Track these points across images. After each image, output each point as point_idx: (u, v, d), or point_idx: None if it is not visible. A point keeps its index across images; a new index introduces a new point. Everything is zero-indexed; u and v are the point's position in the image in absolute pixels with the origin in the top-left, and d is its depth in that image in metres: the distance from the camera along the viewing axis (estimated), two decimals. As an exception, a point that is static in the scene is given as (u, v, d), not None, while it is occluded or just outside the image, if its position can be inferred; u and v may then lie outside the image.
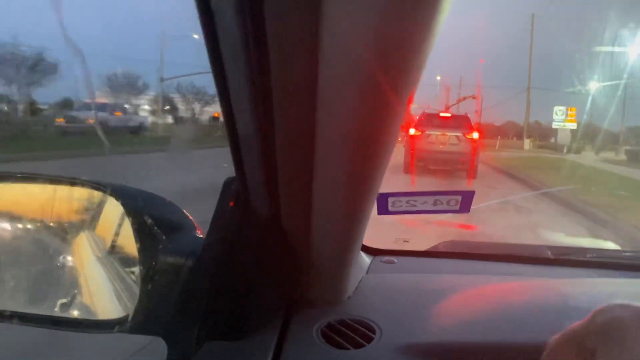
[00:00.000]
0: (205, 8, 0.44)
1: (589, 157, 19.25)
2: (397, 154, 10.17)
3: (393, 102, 0.45)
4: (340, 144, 0.50)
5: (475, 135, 9.98)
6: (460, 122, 10.52)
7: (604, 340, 0.33)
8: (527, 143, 32.80)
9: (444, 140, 9.88)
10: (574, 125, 25.75)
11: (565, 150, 22.44)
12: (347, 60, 0.42)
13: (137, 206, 0.65)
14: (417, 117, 10.80)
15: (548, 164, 13.91)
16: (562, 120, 26.15)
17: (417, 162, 9.55)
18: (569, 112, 25.98)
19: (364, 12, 0.38)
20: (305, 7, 0.39)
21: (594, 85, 20.85)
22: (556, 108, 26.62)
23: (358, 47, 0.40)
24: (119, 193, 0.68)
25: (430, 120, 10.58)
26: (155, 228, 0.61)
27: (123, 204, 0.67)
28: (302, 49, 0.43)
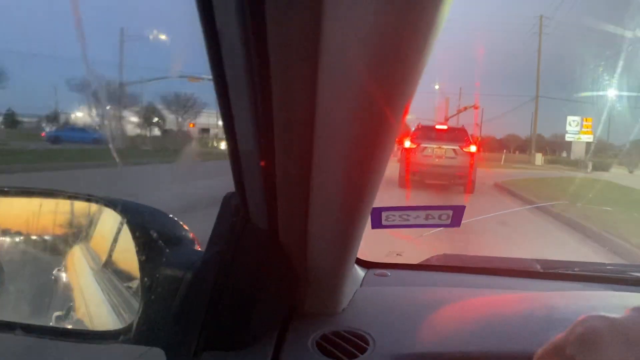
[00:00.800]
0: (207, 21, 0.45)
1: (628, 177, 15.36)
2: (391, 168, 9.79)
3: (389, 116, 0.47)
4: (336, 161, 0.52)
5: (473, 148, 9.58)
6: (457, 135, 10.10)
7: (582, 348, 0.37)
8: (538, 158, 29.01)
9: (440, 153, 9.50)
10: (590, 138, 22.31)
11: (590, 167, 18.21)
12: (346, 77, 0.43)
13: (143, 221, 0.66)
14: (413, 130, 10.42)
15: (596, 190, 8.61)
16: (577, 131, 22.94)
17: (412, 176, 9.21)
18: (585, 123, 22.62)
19: (362, 23, 0.38)
20: (305, 21, 0.40)
21: (612, 93, 17.24)
22: (570, 118, 23.26)
23: (357, 60, 0.41)
24: (124, 208, 0.70)
25: (426, 132, 10.17)
26: (160, 242, 0.62)
27: (129, 220, 0.68)
28: (302, 68, 0.44)
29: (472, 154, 9.50)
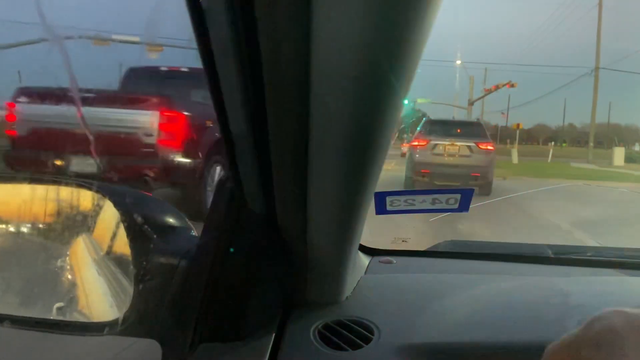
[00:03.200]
0: (196, 7, 0.44)
1: None
2: (397, 170, 8.77)
3: (387, 97, 0.44)
4: (334, 141, 0.49)
5: (490, 146, 8.59)
6: (472, 130, 9.06)
7: (599, 349, 0.33)
8: (619, 155, 19.71)
9: (453, 151, 8.49)
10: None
11: None
12: (338, 55, 0.41)
13: (126, 204, 0.64)
14: (421, 126, 9.45)
15: None
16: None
17: (421, 178, 8.22)
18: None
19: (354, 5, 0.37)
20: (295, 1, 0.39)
21: None
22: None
23: (349, 40, 0.39)
24: (107, 191, 0.68)
25: (436, 128, 9.12)
26: (146, 227, 0.60)
27: (112, 202, 0.66)
28: (292, 45, 0.42)
29: (489, 152, 8.52)
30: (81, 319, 0.84)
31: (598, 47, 22.56)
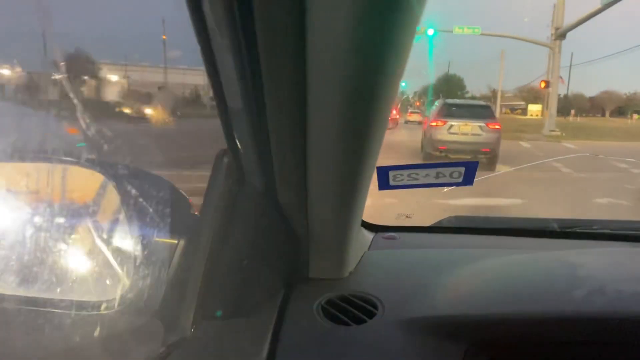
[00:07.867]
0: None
1: None
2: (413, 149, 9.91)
3: (387, 65, 0.42)
4: (332, 111, 0.47)
5: (497, 125, 10.18)
6: (482, 112, 10.71)
7: None
8: None
9: (466, 130, 9.98)
10: None
11: None
12: (335, 27, 0.39)
13: (133, 184, 0.62)
14: (437, 107, 10.92)
15: None
16: None
17: (438, 153, 9.68)
18: None
19: None
20: None
21: None
22: None
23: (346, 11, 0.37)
24: (101, 166, 0.66)
25: (451, 110, 10.72)
26: (144, 203, 0.59)
27: (117, 184, 0.64)
28: (289, 18, 0.40)
29: (497, 130, 9.99)
30: (82, 298, 0.83)
31: None
